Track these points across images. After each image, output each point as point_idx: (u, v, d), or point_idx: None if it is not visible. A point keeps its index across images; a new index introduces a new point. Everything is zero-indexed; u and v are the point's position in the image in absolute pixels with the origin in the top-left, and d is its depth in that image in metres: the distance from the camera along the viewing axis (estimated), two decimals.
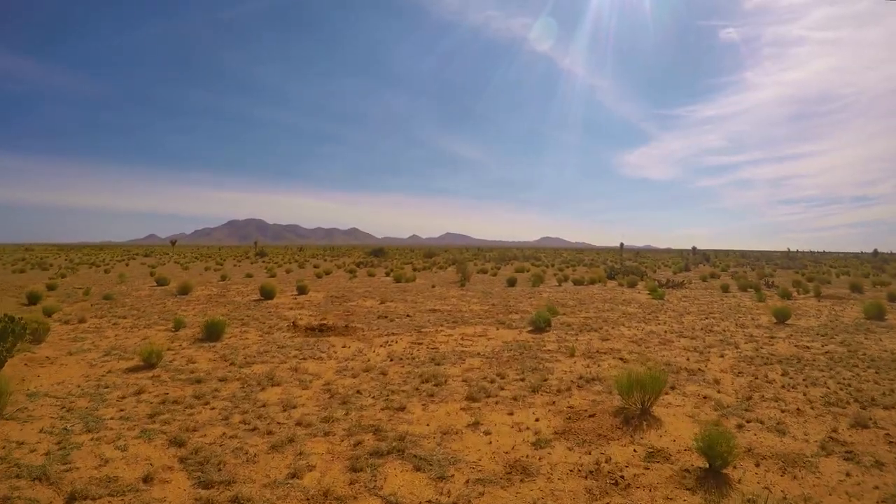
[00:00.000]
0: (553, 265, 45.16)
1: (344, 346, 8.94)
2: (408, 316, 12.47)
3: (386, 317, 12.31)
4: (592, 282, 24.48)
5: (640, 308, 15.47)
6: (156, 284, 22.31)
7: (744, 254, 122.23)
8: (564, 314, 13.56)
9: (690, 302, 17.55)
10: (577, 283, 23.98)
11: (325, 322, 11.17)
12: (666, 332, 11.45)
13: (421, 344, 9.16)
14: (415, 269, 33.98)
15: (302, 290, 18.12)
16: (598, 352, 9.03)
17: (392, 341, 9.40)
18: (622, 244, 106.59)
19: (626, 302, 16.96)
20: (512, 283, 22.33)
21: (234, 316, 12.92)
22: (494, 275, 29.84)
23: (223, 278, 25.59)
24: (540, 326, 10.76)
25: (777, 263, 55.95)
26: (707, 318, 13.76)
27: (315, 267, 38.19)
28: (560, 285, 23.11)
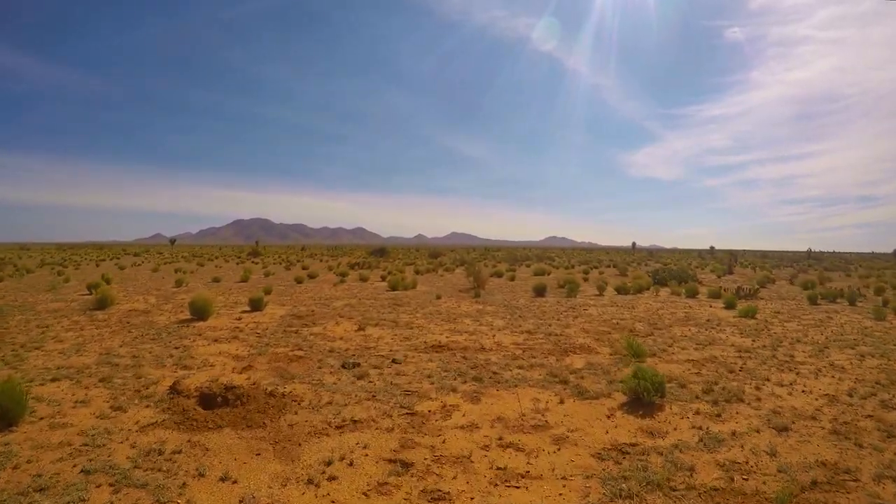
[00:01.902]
0: (573, 266, 39.89)
1: (224, 479, 3.78)
2: (395, 362, 7.29)
3: (356, 365, 7.12)
4: (639, 289, 19.23)
5: (743, 335, 10.29)
6: (87, 292, 17.49)
7: (764, 254, 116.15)
8: (653, 353, 8.37)
9: (796, 321, 12.35)
10: (620, 291, 18.74)
11: (235, 384, 6.02)
12: (853, 395, 6.30)
13: (408, 469, 3.94)
14: (417, 272, 28.84)
15: (255, 306, 13.02)
16: (815, 485, 3.86)
17: (343, 457, 4.18)
18: (634, 244, 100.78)
19: (711, 323, 11.75)
20: (540, 291, 17.12)
21: (117, 354, 7.91)
22: (512, 279, 24.61)
23: (178, 284, 20.66)
24: (643, 396, 5.56)
25: (810, 265, 50.32)
26: (863, 356, 8.61)
27: (304, 269, 33.25)
28: (602, 295, 17.87)
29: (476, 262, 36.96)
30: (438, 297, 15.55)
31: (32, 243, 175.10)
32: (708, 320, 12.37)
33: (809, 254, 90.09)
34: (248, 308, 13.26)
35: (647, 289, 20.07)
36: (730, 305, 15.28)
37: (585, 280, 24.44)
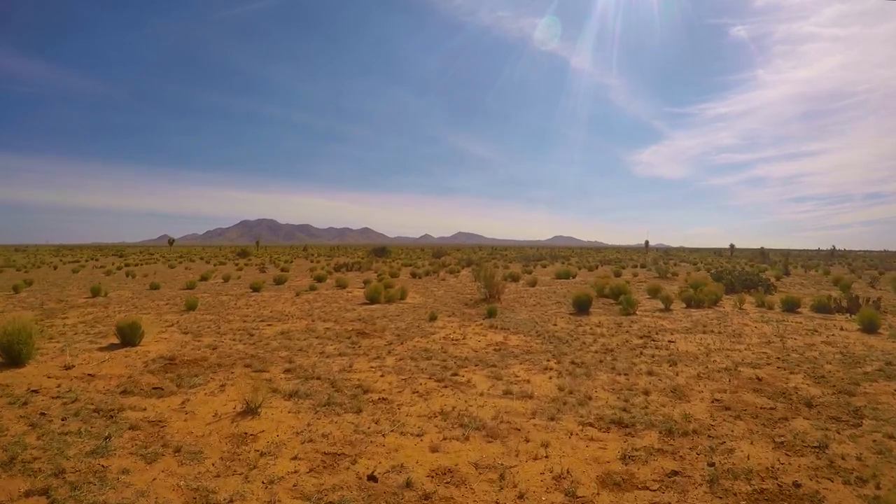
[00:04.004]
0: (595, 266, 34.36)
1: None
2: None
3: None
4: (714, 301, 13.81)
5: None
6: None
7: (787, 252, 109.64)
8: None
9: None
10: (690, 302, 13.33)
11: None
12: None
13: None
14: (414, 276, 23.59)
15: (127, 337, 7.82)
16: None
17: None
18: (647, 242, 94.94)
19: None
20: (583, 306, 11.78)
21: None
22: (532, 284, 19.25)
23: (94, 293, 15.65)
24: None
25: (849, 263, 44.37)
26: None
27: (282, 270, 28.22)
28: (669, 309, 12.49)
29: (485, 263, 31.61)
30: (433, 319, 10.20)
31: (36, 245, 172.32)
32: (889, 363, 7.03)
33: (833, 252, 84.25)
34: (116, 340, 8.06)
35: (717, 297, 14.63)
36: (870, 327, 9.96)
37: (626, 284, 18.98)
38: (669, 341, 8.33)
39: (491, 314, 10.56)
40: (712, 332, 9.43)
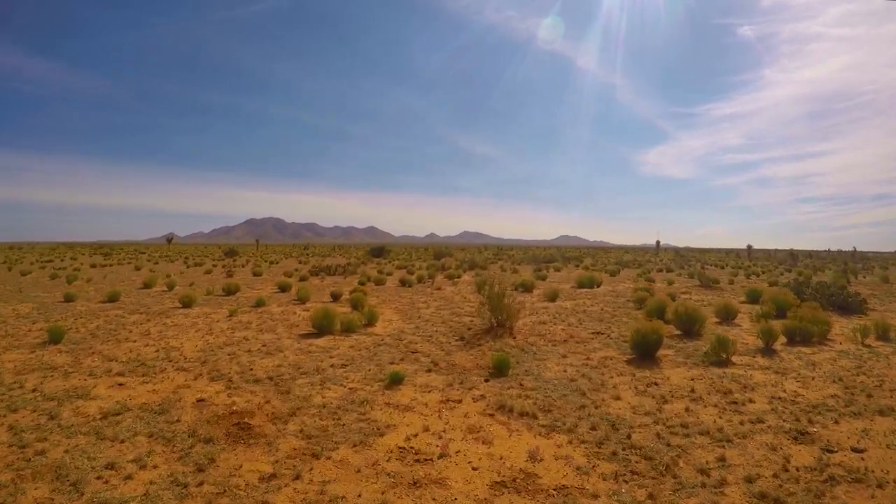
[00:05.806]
0: (617, 271, 29.75)
1: None
2: None
3: None
4: (823, 333, 9.48)
5: None
6: None
7: (809, 254, 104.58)
8: None
9: None
10: (791, 337, 9.04)
11: None
12: None
13: None
14: (403, 284, 19.39)
15: None
16: None
17: None
18: (658, 242, 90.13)
19: None
20: (646, 348, 7.52)
21: None
22: (552, 298, 14.92)
23: None
24: None
25: (882, 266, 39.48)
26: None
27: (255, 275, 24.29)
28: (773, 349, 8.22)
29: (491, 272, 27.41)
30: (396, 382, 5.97)
31: (33, 243, 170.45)
32: None
33: (854, 253, 79.64)
34: None
35: (824, 325, 10.27)
36: None
37: (671, 299, 14.64)
38: (855, 449, 4.10)
39: (500, 369, 6.30)
40: (891, 409, 5.19)
